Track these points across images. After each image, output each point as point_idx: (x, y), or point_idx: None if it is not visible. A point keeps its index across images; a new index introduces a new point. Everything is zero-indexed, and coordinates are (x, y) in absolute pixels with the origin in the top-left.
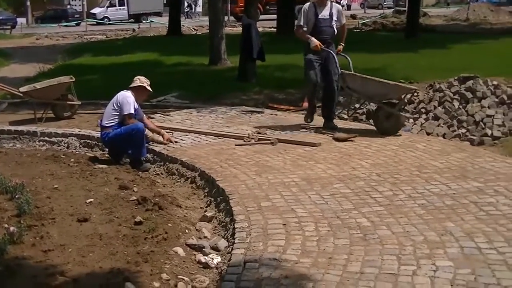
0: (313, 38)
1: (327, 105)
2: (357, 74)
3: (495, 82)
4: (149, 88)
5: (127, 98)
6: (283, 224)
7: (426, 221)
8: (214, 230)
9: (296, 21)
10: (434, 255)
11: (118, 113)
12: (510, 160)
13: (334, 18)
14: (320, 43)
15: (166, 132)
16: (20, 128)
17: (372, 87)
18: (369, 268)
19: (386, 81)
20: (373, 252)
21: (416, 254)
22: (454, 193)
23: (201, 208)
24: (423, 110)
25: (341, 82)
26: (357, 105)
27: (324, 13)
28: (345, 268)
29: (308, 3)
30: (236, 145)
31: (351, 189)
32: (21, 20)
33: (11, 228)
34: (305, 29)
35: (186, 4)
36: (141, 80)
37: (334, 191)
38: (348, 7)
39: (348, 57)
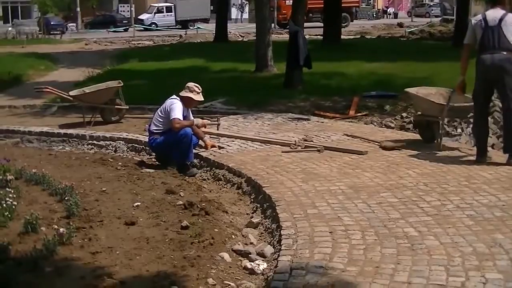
0: None
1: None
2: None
3: None
4: (197, 98)
5: (174, 104)
6: (330, 232)
7: (474, 232)
8: (260, 236)
9: None
10: (483, 267)
11: (165, 120)
12: None
13: None
14: None
15: (213, 137)
16: (69, 131)
17: None
18: (417, 278)
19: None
20: (421, 262)
21: (464, 266)
22: (503, 205)
23: (247, 214)
24: (471, 120)
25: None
26: (404, 114)
27: None
28: (392, 278)
29: None
30: (282, 152)
31: (398, 198)
32: (71, 26)
33: (61, 230)
34: None
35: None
36: (190, 89)
37: (381, 200)
38: (395, 16)
39: None
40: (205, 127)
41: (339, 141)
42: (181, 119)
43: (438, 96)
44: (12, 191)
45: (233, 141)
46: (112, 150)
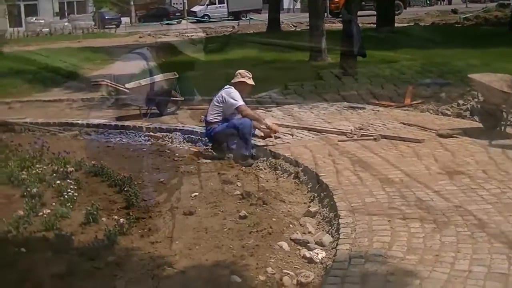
0: None
1: None
2: None
3: None
4: (250, 82)
5: (232, 93)
6: (388, 220)
7: None
8: (318, 225)
9: None
10: None
11: (222, 109)
12: None
13: None
14: None
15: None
16: (126, 123)
17: None
18: (478, 267)
19: None
20: (482, 250)
21: None
22: None
23: (304, 203)
24: None
25: None
26: (460, 101)
27: None
28: (452, 266)
29: None
30: (339, 141)
31: (457, 186)
32: (125, 19)
33: (121, 220)
34: None
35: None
36: (242, 75)
37: (439, 188)
38: (449, 2)
39: None
40: (276, 132)
41: (395, 130)
42: (245, 103)
43: (501, 83)
44: (73, 183)
45: (289, 130)
46: (168, 141)
